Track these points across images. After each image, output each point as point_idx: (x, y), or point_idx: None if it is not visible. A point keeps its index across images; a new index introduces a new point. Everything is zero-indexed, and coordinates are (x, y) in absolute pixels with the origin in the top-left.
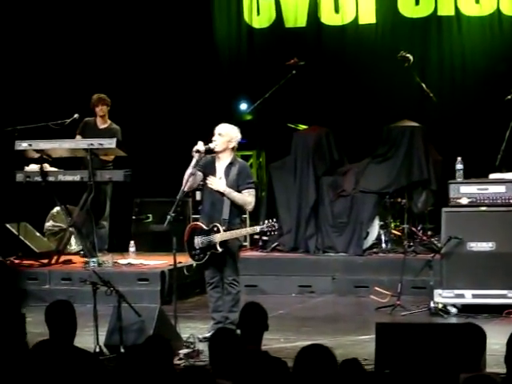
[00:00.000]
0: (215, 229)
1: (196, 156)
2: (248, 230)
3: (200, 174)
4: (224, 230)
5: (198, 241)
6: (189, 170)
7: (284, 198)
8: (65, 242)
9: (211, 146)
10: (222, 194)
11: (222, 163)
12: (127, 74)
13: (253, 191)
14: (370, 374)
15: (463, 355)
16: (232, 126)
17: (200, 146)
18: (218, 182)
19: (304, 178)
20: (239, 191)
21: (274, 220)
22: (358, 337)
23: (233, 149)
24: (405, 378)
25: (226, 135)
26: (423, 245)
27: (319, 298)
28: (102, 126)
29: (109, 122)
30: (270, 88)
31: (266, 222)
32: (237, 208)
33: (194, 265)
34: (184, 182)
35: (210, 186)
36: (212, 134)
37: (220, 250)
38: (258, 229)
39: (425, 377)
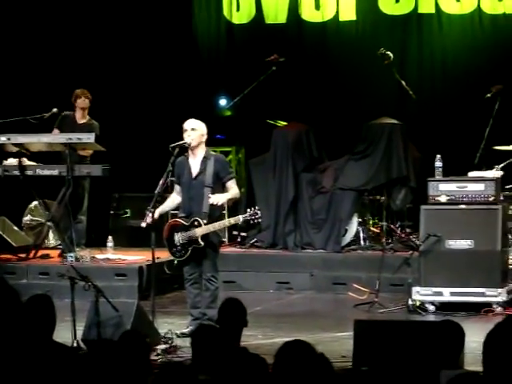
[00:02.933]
0: (196, 223)
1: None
2: (231, 221)
3: (177, 188)
4: (205, 224)
5: (179, 237)
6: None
7: (263, 195)
8: (43, 236)
9: (187, 141)
10: (201, 189)
11: (196, 159)
12: (107, 70)
13: (235, 180)
14: (348, 371)
15: (442, 352)
16: (200, 121)
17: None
18: (218, 198)
19: (283, 174)
20: (223, 183)
21: (257, 208)
22: (335, 333)
23: (204, 143)
24: (383, 375)
25: (199, 129)
26: (401, 242)
27: (297, 295)
28: (80, 121)
29: (88, 117)
30: (250, 84)
31: (249, 210)
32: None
33: (176, 262)
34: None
35: (214, 203)
36: (181, 131)
37: (202, 243)
38: (240, 218)
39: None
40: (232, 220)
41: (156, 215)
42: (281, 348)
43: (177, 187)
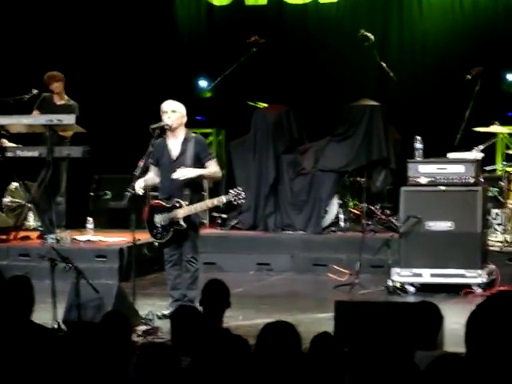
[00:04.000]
0: (177, 204)
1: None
2: (214, 202)
3: (154, 169)
4: (187, 205)
5: (160, 218)
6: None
7: (243, 176)
8: (23, 217)
9: (168, 122)
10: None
11: (177, 140)
12: (86, 51)
13: (215, 160)
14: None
15: (419, 333)
16: (179, 103)
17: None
18: (184, 172)
19: (263, 156)
20: (203, 164)
21: (240, 188)
22: (316, 315)
23: (184, 125)
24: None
25: (179, 111)
26: (382, 224)
27: (278, 276)
28: (59, 102)
29: (66, 98)
30: (230, 65)
31: (232, 191)
32: (197, 182)
33: (156, 243)
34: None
35: (181, 178)
36: (159, 113)
37: (184, 225)
38: (224, 198)
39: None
40: (215, 201)
41: (141, 185)
42: (263, 329)
43: (154, 168)
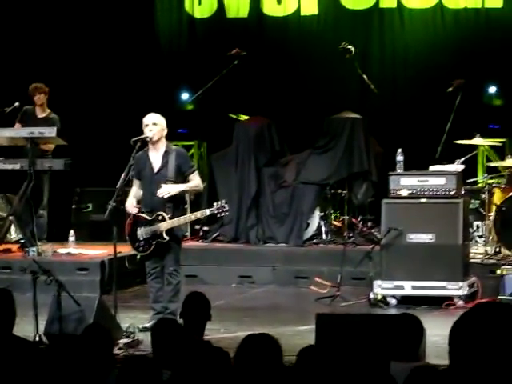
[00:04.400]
0: (160, 218)
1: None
2: (197, 214)
3: (137, 183)
4: (169, 218)
5: (142, 232)
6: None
7: (225, 189)
8: (4, 230)
9: (149, 135)
10: (163, 183)
11: (158, 153)
12: (67, 63)
13: (197, 172)
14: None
15: (400, 345)
16: (160, 115)
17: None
18: (167, 189)
19: (245, 168)
20: (185, 177)
21: (223, 201)
22: (297, 327)
23: (164, 137)
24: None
25: (160, 124)
26: (363, 236)
27: (259, 289)
28: (40, 114)
29: (48, 110)
30: (212, 78)
31: (215, 204)
32: (179, 195)
33: (139, 256)
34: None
35: (164, 196)
36: (141, 126)
37: (167, 238)
38: (207, 211)
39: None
40: (198, 214)
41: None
42: (243, 340)
43: (136, 182)
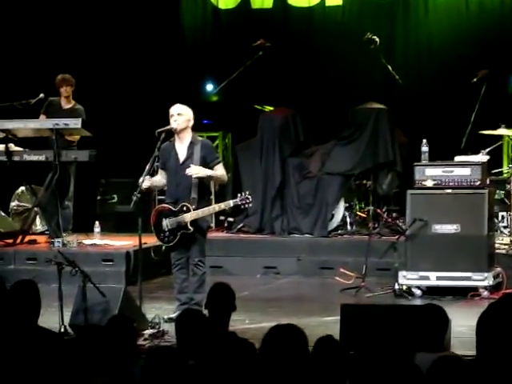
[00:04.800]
0: (185, 208)
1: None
2: (221, 206)
3: (162, 173)
4: (194, 209)
5: (167, 222)
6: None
7: (250, 180)
8: (30, 221)
9: (173, 126)
10: (189, 175)
11: (183, 144)
12: (93, 54)
13: (222, 164)
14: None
15: (425, 335)
16: (186, 106)
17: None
18: (196, 169)
19: (270, 159)
20: (211, 168)
21: (247, 192)
22: (322, 318)
23: (190, 128)
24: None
25: (186, 114)
26: (388, 227)
27: (284, 279)
28: (66, 106)
29: (73, 102)
30: (237, 69)
31: (239, 195)
32: (204, 186)
33: (164, 247)
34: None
35: (194, 176)
36: (167, 116)
37: (191, 229)
38: (231, 203)
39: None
40: (222, 205)
41: (148, 183)
42: (269, 331)
43: (162, 172)
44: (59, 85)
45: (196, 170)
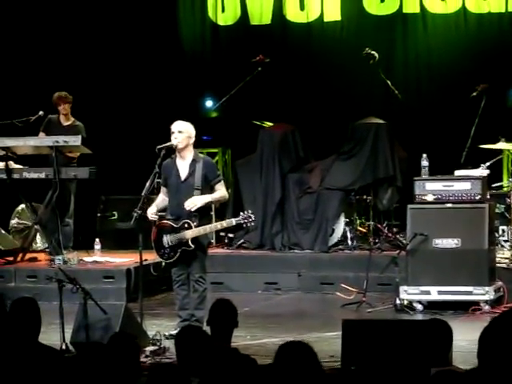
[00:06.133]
0: (186, 225)
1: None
2: (223, 224)
3: (164, 190)
4: (195, 226)
5: (168, 239)
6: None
7: (250, 195)
8: (30, 239)
9: (174, 143)
10: (190, 192)
11: (185, 161)
12: (92, 71)
13: (223, 182)
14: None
15: (431, 350)
16: (189, 123)
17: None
18: (194, 202)
19: (270, 175)
20: (212, 186)
21: (250, 211)
22: (323, 333)
23: (192, 145)
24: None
25: (186, 131)
26: (389, 241)
27: (285, 295)
28: (65, 123)
29: (72, 119)
30: (236, 85)
31: (242, 213)
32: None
33: (163, 264)
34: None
35: (191, 209)
36: (169, 133)
37: (192, 246)
38: (234, 221)
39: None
40: (224, 223)
41: (154, 211)
42: (280, 348)
43: (163, 189)
44: (56, 103)
45: (193, 203)
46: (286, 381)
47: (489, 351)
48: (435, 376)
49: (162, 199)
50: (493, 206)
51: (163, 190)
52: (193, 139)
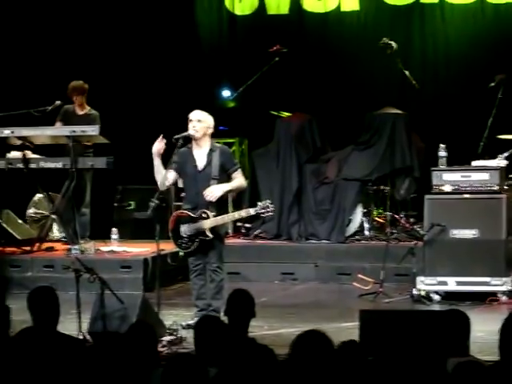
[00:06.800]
0: (204, 215)
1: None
2: (241, 213)
3: (172, 173)
4: (214, 216)
5: (186, 229)
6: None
7: (267, 186)
8: (47, 229)
9: (191, 132)
10: (207, 181)
11: (202, 150)
12: (109, 60)
13: (240, 170)
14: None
15: (449, 341)
16: (207, 113)
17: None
18: (214, 192)
19: (287, 165)
20: (229, 175)
21: (269, 201)
22: (340, 324)
23: (209, 136)
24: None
25: (205, 121)
26: (406, 232)
27: (302, 286)
28: (80, 112)
29: (87, 108)
30: (253, 75)
31: (260, 203)
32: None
33: (181, 253)
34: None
35: (210, 199)
36: (186, 123)
37: (211, 235)
38: (252, 211)
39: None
40: (243, 212)
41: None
42: (297, 338)
43: (172, 173)
44: (70, 95)
45: (213, 192)
46: (303, 369)
47: (510, 342)
48: (457, 367)
49: (166, 174)
50: (510, 197)
51: (171, 173)
52: (211, 130)
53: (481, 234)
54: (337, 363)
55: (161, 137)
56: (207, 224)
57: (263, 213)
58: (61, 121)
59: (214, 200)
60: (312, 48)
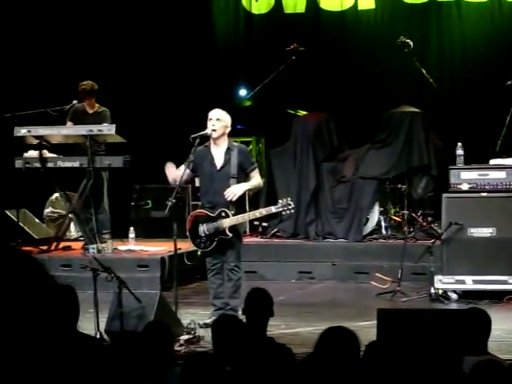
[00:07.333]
0: (223, 214)
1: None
2: (262, 212)
3: (188, 173)
4: (233, 215)
5: (204, 228)
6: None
7: (284, 184)
8: (64, 228)
9: (208, 131)
10: (226, 180)
11: (220, 149)
12: (126, 60)
13: (257, 169)
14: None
15: (469, 339)
16: (226, 112)
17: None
18: (234, 191)
19: (304, 164)
20: (247, 174)
21: (289, 199)
22: (358, 323)
23: (227, 135)
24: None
25: (224, 120)
26: (423, 231)
27: (319, 284)
28: (90, 110)
29: (97, 105)
30: (270, 74)
31: (280, 201)
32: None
33: (199, 253)
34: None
35: (232, 198)
36: (203, 122)
37: (230, 234)
38: (273, 209)
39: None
40: (263, 211)
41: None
42: (323, 334)
43: (185, 171)
44: (83, 97)
45: (234, 192)
46: (328, 366)
47: None
48: (477, 366)
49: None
50: None
51: (184, 171)
52: (229, 129)
53: (498, 232)
54: (362, 363)
55: (167, 164)
56: (227, 223)
57: (284, 210)
58: (71, 120)
59: (235, 199)
60: (329, 46)
